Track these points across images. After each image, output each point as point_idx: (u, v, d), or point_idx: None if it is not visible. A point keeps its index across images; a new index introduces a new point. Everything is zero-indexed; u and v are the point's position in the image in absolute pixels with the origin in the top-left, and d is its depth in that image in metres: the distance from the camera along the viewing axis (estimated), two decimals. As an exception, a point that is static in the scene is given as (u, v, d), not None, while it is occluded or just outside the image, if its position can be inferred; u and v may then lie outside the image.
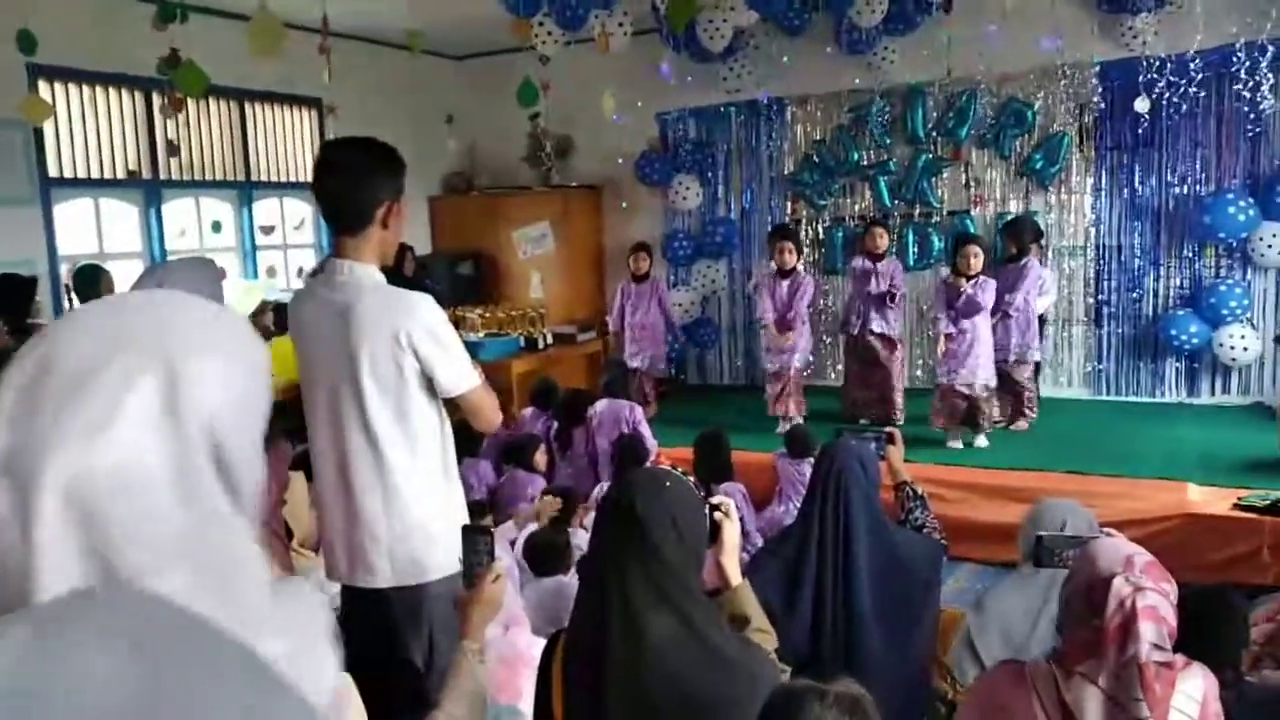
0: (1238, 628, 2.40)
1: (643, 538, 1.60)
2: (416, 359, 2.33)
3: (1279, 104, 6.62)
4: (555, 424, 6.04)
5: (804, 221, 8.22)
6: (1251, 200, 6.67)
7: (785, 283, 6.62)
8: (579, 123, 8.55)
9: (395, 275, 6.44)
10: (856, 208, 8.11)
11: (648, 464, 5.35)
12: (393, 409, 2.35)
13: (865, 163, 7.95)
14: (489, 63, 8.96)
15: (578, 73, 7.63)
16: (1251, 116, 6.71)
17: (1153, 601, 1.73)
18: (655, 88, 8.00)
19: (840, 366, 8.01)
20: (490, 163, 9.37)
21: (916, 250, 7.80)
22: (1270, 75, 6.52)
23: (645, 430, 5.90)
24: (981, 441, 6.12)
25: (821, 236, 8.24)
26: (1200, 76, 6.70)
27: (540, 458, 5.61)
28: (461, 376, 2.41)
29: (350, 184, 2.37)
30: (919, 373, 7.77)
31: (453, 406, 2.49)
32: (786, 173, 8.28)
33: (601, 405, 5.96)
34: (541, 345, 7.46)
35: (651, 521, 1.60)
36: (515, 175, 9.15)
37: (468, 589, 1.94)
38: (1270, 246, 6.63)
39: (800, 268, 6.75)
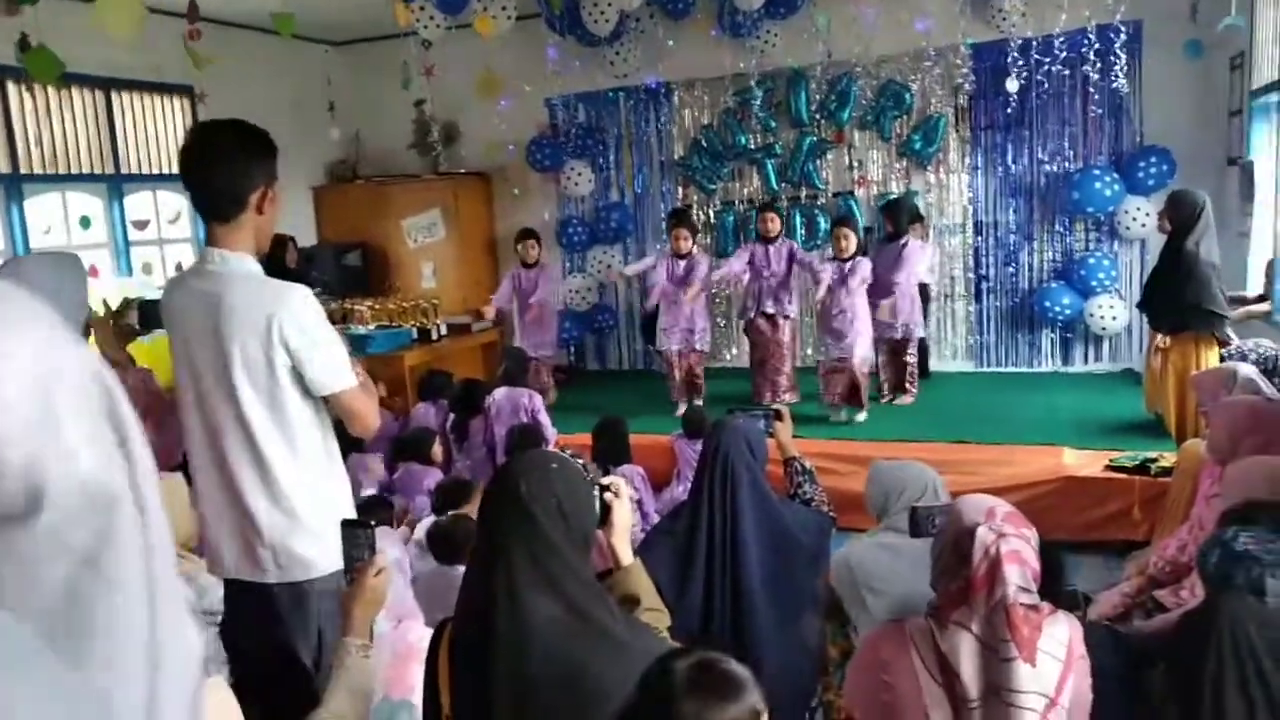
0: (1060, 582, 2.47)
1: (528, 521, 1.59)
2: (287, 353, 2.26)
3: (1129, 84, 6.94)
4: (451, 415, 5.97)
5: (695, 205, 8.30)
6: (1117, 175, 7.01)
7: (682, 264, 6.70)
8: (467, 109, 8.45)
9: (277, 267, 6.34)
10: (745, 191, 8.23)
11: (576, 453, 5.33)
12: (267, 403, 2.28)
13: (752, 146, 8.06)
14: (371, 48, 8.76)
15: (463, 58, 7.52)
16: (1112, 95, 7.04)
17: (1015, 546, 1.82)
18: (542, 73, 7.98)
19: (735, 350, 8.18)
20: (375, 150, 9.17)
21: (804, 232, 7.95)
22: (1123, 55, 6.86)
23: (544, 418, 5.88)
24: (861, 417, 6.31)
25: (713, 220, 8.33)
26: (1064, 56, 6.99)
27: (437, 450, 5.54)
28: (334, 375, 2.32)
29: (222, 169, 2.28)
30: (809, 351, 7.94)
31: None
32: (676, 157, 8.34)
33: (500, 394, 5.92)
34: (435, 336, 7.35)
35: (536, 504, 1.59)
36: (402, 163, 8.98)
37: (349, 584, 1.91)
38: (1135, 220, 6.98)
39: (695, 251, 6.82)
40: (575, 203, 8.68)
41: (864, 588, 2.65)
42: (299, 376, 2.29)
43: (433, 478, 5.14)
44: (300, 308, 2.28)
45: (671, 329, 6.81)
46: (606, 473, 4.82)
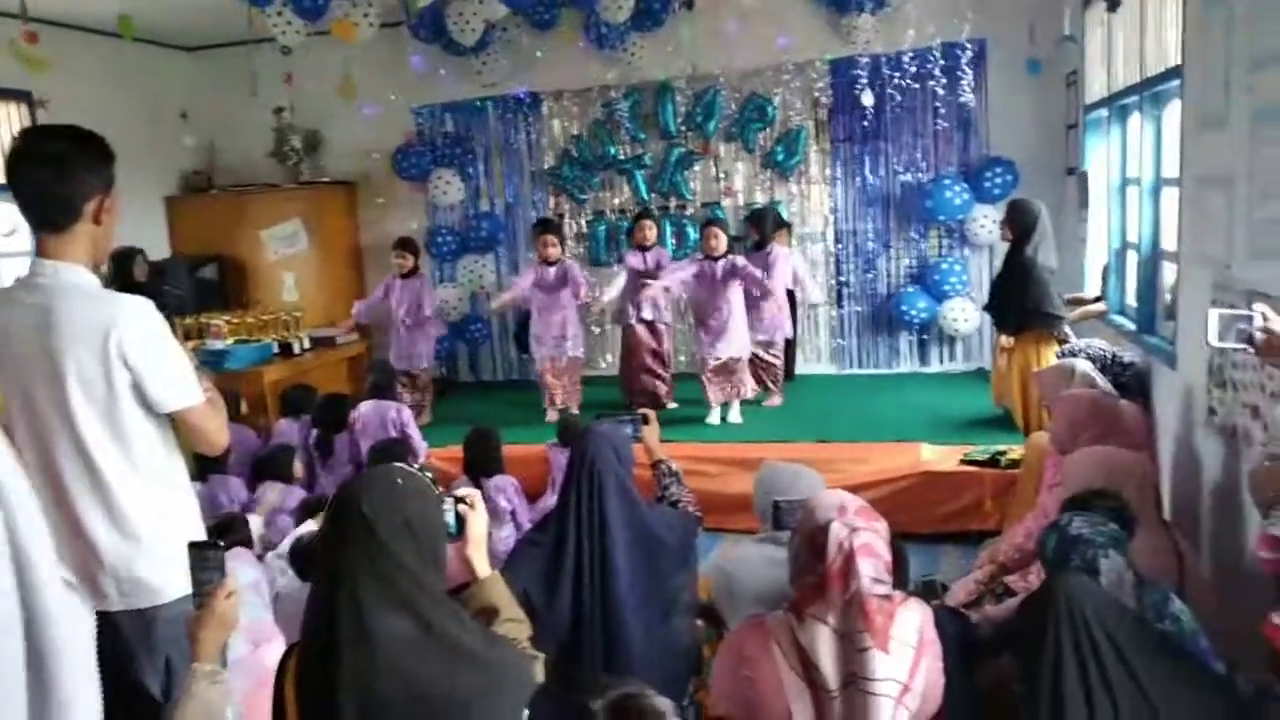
0: (903, 573, 2.62)
1: (372, 540, 1.55)
2: (126, 369, 2.15)
3: (976, 99, 7.32)
4: (314, 431, 5.79)
5: (567, 215, 8.31)
6: (966, 185, 7.37)
7: (551, 270, 6.69)
8: (329, 117, 8.25)
9: (125, 282, 6.03)
10: (616, 201, 8.28)
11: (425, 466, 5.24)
12: (104, 421, 2.16)
13: (622, 157, 8.13)
14: (226, 54, 8.43)
15: (325, 66, 7.34)
16: (960, 110, 7.40)
17: (867, 539, 1.90)
18: (409, 81, 7.90)
19: (610, 357, 8.21)
20: (232, 160, 8.83)
21: (674, 241, 8.07)
22: (969, 72, 7.23)
23: (414, 431, 5.78)
24: (735, 416, 6.45)
25: (585, 230, 8.36)
26: (914, 72, 7.31)
27: (299, 468, 5.37)
28: (178, 391, 2.22)
29: (53, 176, 2.17)
30: (682, 358, 8.05)
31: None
32: (547, 167, 8.33)
33: (366, 407, 5.79)
34: (298, 350, 7.13)
35: (380, 523, 1.56)
36: (261, 172, 8.67)
37: (197, 608, 1.83)
38: (983, 227, 7.34)
39: (565, 259, 6.83)
40: (444, 212, 8.56)
41: (740, 599, 2.69)
42: (140, 393, 2.18)
43: (295, 497, 4.98)
44: (139, 320, 2.18)
45: (544, 336, 6.79)
46: (478, 485, 4.77)
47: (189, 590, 1.98)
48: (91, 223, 2.21)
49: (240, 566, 3.08)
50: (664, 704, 1.36)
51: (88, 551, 2.19)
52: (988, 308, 5.73)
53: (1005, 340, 5.40)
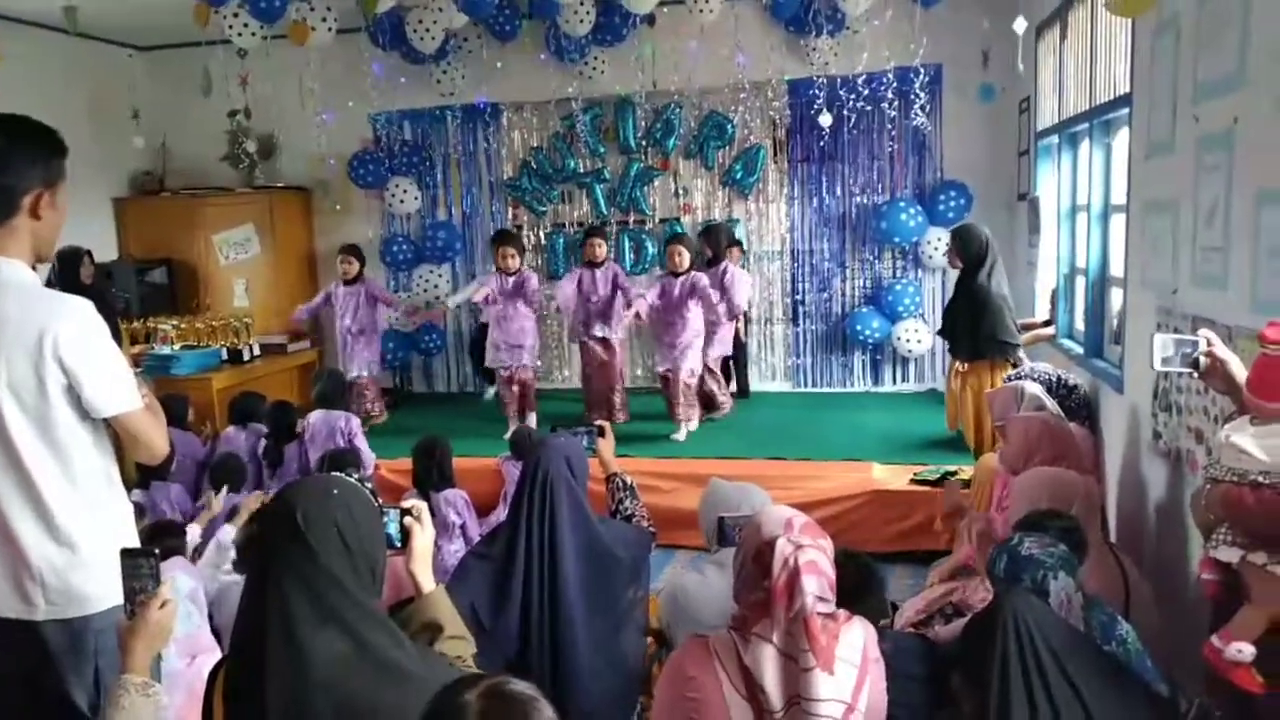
0: (877, 593, 2.62)
1: (304, 551, 1.51)
2: (62, 371, 2.07)
3: (930, 123, 7.43)
4: (263, 440, 5.69)
5: (525, 227, 8.27)
6: (920, 208, 7.45)
7: (511, 279, 6.66)
8: (285, 121, 8.13)
9: (71, 284, 5.87)
10: (575, 214, 8.26)
11: (366, 476, 5.17)
12: (37, 425, 2.09)
13: (581, 170, 8.11)
14: (179, 54, 8.29)
15: (282, 69, 7.26)
16: (916, 133, 7.49)
17: (812, 557, 1.88)
18: (366, 88, 7.79)
19: (568, 371, 8.18)
20: (184, 161, 8.67)
21: (632, 256, 8.06)
22: (924, 95, 7.33)
23: (361, 442, 5.70)
24: (680, 435, 6.45)
25: (543, 242, 8.32)
26: (869, 94, 7.39)
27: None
28: (115, 396, 2.14)
29: None
30: (639, 371, 8.06)
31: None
32: (506, 178, 8.29)
33: (315, 417, 5.70)
34: (247, 357, 7.01)
35: (313, 534, 1.51)
36: (214, 175, 8.52)
37: (130, 617, 1.77)
38: (937, 250, 7.42)
39: (524, 268, 6.81)
40: (400, 220, 8.47)
41: (686, 619, 2.67)
42: (75, 397, 2.11)
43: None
44: (77, 321, 2.10)
45: (500, 345, 6.72)
46: (426, 498, 4.71)
47: (121, 600, 1.92)
48: (30, 217, 2.14)
49: (177, 575, 3.00)
50: (531, 689, 1.33)
51: (17, 558, 2.11)
52: (941, 333, 5.78)
53: (960, 364, 5.44)
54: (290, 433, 5.62)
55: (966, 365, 5.37)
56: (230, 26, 6.31)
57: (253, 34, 6.34)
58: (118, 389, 2.15)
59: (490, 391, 7.72)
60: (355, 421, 5.76)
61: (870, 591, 2.53)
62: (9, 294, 2.09)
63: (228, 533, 3.83)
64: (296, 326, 7.22)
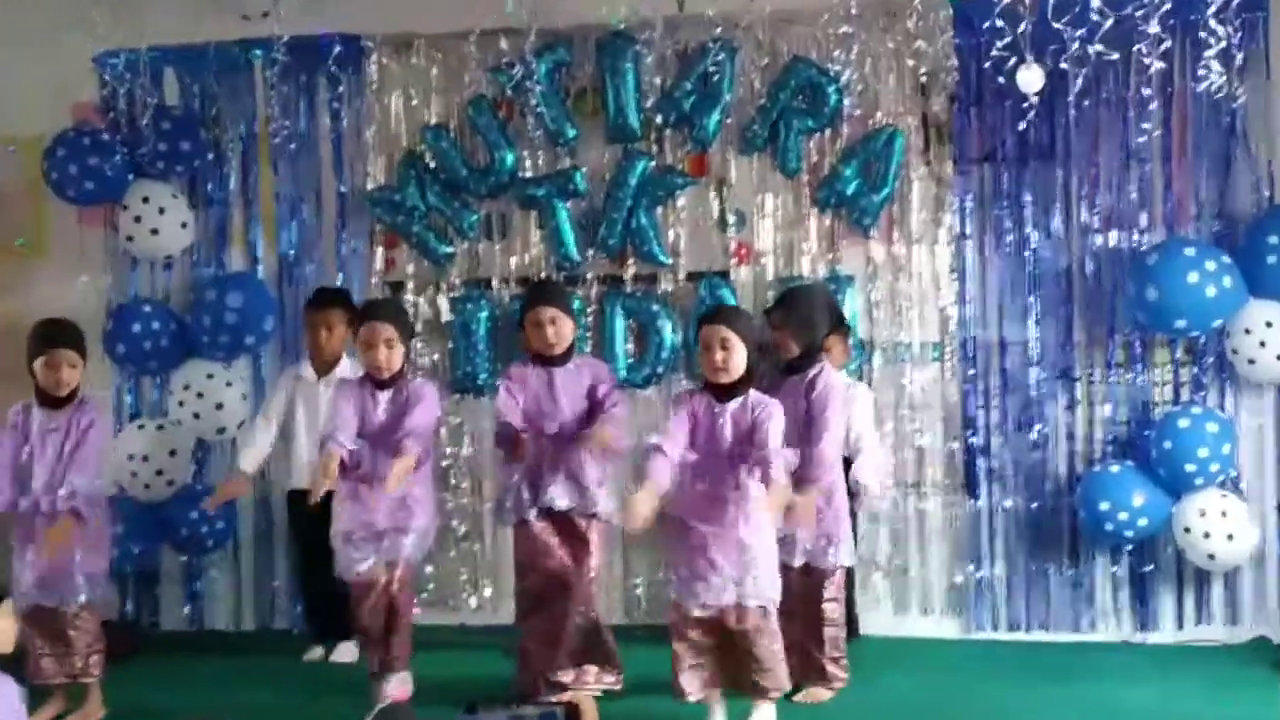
0: None
1: None
2: None
3: (1242, 87, 4.35)
4: None
5: (409, 285, 4.98)
6: (1228, 260, 4.22)
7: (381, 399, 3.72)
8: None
9: None
10: (513, 261, 4.95)
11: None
12: None
13: (528, 173, 4.83)
14: None
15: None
16: (1210, 107, 4.31)
17: None
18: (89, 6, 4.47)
19: (489, 588, 4.18)
20: None
21: (631, 345, 4.71)
22: (1228, 31, 4.20)
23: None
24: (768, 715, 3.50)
25: (446, 315, 4.92)
26: (1117, 25, 4.15)
27: None
28: None
29: None
30: (640, 591, 4.14)
31: None
32: (372, 186, 5.00)
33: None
34: None
35: None
36: None
37: None
38: (1263, 344, 4.08)
39: (407, 375, 3.93)
40: (150, 270, 4.95)
41: None
42: None
43: None
44: None
45: (353, 534, 3.71)
46: None
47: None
48: None
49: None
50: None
51: None
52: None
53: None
54: None
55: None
56: None
57: None
58: None
59: (318, 652, 4.45)
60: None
61: None
62: None
63: None
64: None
